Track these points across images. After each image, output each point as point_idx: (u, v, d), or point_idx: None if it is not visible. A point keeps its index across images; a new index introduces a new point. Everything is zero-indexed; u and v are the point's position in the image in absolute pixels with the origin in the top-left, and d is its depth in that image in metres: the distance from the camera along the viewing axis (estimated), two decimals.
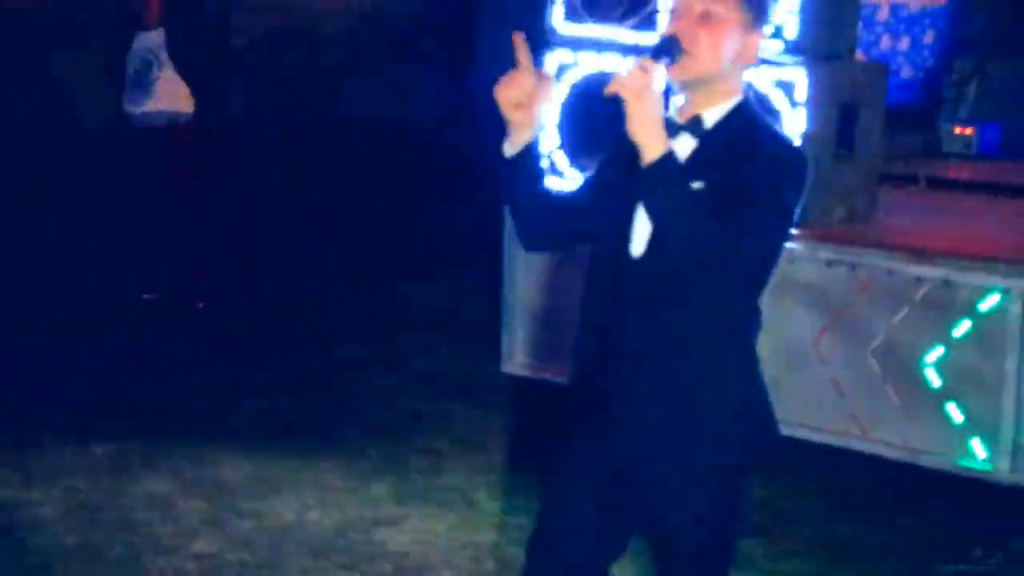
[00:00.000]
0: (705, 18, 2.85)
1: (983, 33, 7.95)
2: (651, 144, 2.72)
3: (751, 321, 2.95)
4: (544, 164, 5.67)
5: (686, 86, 2.91)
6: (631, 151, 2.77)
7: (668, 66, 2.84)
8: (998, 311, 4.81)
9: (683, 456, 2.89)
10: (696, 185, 2.79)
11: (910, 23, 7.72)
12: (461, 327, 7.19)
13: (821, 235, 5.17)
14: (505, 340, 5.99)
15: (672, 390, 2.88)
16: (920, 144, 7.29)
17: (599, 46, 5.83)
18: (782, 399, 3.13)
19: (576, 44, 5.90)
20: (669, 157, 2.73)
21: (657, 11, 5.72)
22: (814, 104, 5.26)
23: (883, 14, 7.50)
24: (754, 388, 2.96)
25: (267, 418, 5.80)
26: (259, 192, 8.21)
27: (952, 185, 6.64)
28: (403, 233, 8.82)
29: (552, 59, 5.94)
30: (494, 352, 6.25)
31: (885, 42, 7.51)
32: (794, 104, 5.29)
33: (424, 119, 11.02)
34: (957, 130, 7.40)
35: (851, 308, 5.11)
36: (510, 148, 2.96)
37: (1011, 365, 4.79)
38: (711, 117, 2.90)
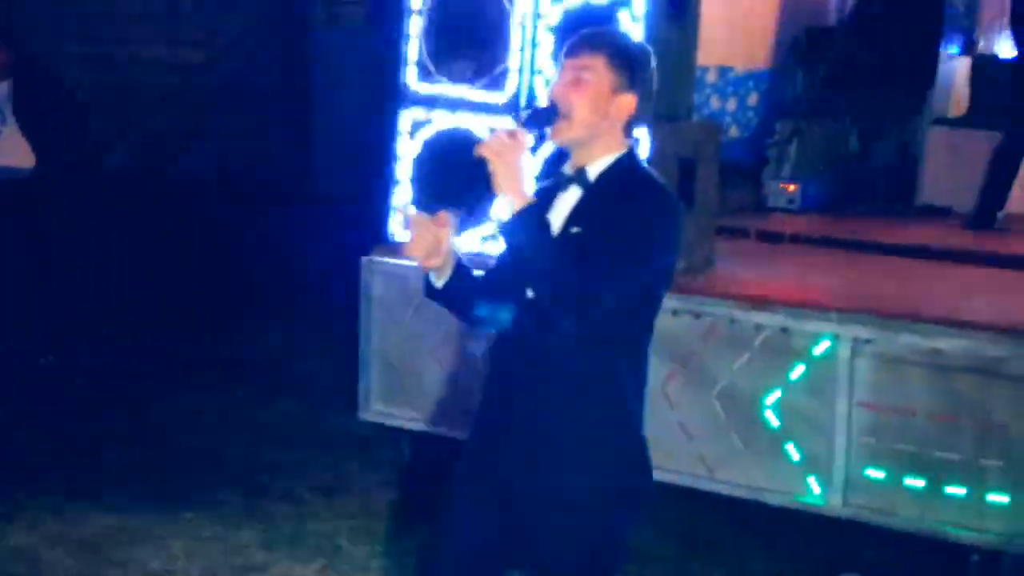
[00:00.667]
0: (577, 83, 3.15)
1: (800, 97, 8.46)
2: (511, 198, 3.03)
3: (629, 364, 3.20)
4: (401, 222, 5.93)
5: (569, 145, 3.19)
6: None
7: (545, 132, 3.15)
8: (829, 356, 5.17)
9: (557, 490, 3.13)
10: (574, 230, 3.10)
11: (736, 85, 8.18)
12: (303, 375, 7.32)
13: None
14: (362, 388, 6.13)
15: (549, 424, 3.14)
16: (749, 199, 7.71)
17: (452, 104, 6.07)
18: None
19: (429, 102, 6.12)
20: (527, 209, 3.03)
21: (507, 71, 5.99)
22: (657, 161, 5.57)
23: (712, 76, 7.93)
24: (627, 431, 3.21)
25: (125, 469, 5.83)
26: (100, 246, 8.19)
27: (779, 238, 7.05)
28: (233, 285, 8.90)
29: (406, 116, 6.15)
30: (343, 400, 6.38)
31: (715, 102, 7.93)
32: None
33: (261, 170, 11.11)
34: (781, 186, 7.85)
35: (696, 355, 5.41)
36: (439, 281, 3.22)
37: (842, 407, 5.14)
38: (594, 170, 3.19)
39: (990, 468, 4.90)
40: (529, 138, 3.11)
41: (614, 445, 3.18)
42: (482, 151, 3.05)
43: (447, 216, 3.17)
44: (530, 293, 3.15)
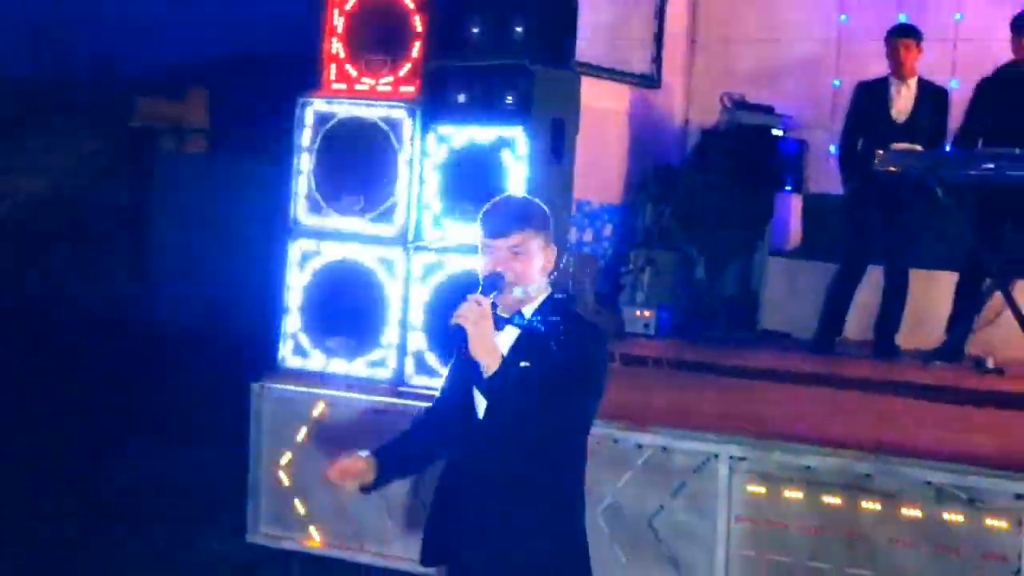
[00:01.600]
0: (515, 252, 3.59)
1: (651, 229, 8.98)
2: (490, 361, 3.42)
3: (572, 478, 3.64)
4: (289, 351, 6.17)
5: (517, 303, 3.60)
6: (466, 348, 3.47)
7: (497, 296, 3.55)
8: (708, 473, 5.53)
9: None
10: (523, 364, 3.49)
11: (592, 218, 8.65)
12: (183, 499, 7.37)
13: None
14: (250, 510, 6.25)
15: (502, 530, 3.54)
16: (610, 324, 8.12)
17: (341, 236, 6.34)
18: None
19: (319, 234, 6.38)
20: (503, 367, 3.43)
21: (395, 205, 6.30)
22: None
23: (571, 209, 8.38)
24: (573, 537, 3.64)
25: None
26: None
27: (644, 361, 7.45)
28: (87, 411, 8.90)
29: (295, 248, 6.39)
30: (227, 522, 6.46)
31: (573, 234, 8.37)
32: None
33: (108, 297, 11.12)
34: (637, 313, 8.30)
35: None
36: (367, 487, 3.69)
37: (721, 521, 5.49)
38: (528, 311, 3.63)
39: None
40: (488, 303, 3.50)
41: (562, 549, 3.57)
42: (460, 320, 3.42)
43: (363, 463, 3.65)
44: (480, 415, 3.52)
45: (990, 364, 7.54)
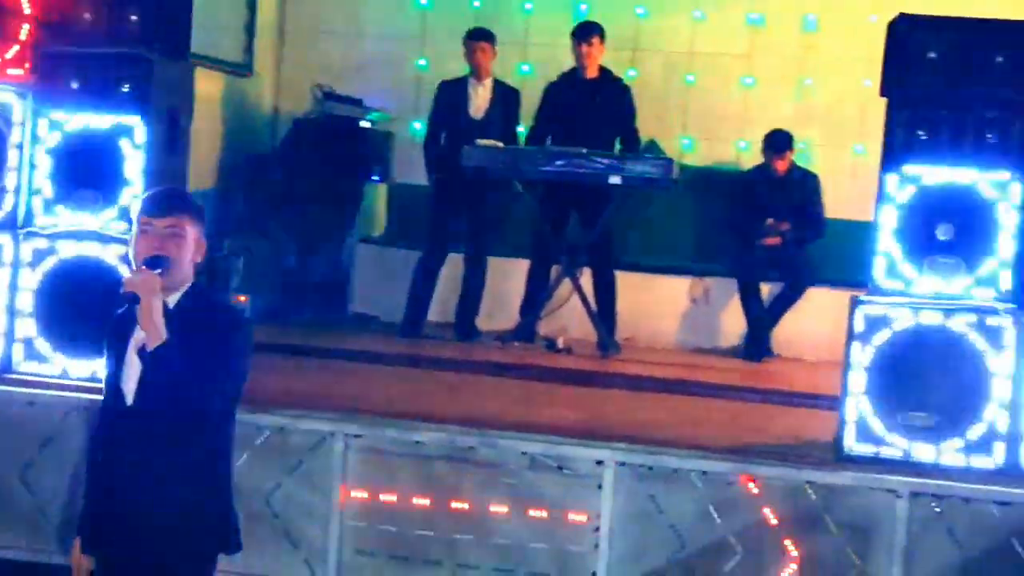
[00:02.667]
0: (176, 238, 3.83)
1: (243, 216, 9.21)
2: (155, 335, 3.67)
3: (222, 450, 3.98)
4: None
5: (169, 286, 3.82)
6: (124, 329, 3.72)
7: (163, 276, 3.76)
8: (324, 451, 5.88)
9: (172, 547, 3.83)
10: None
11: None
12: None
13: None
14: None
15: (156, 502, 3.81)
16: None
17: (76, 235, 6.19)
18: None
19: (52, 233, 6.21)
20: (167, 344, 3.67)
21: (3, 190, 6.23)
22: None
23: None
24: (222, 496, 3.97)
25: None
26: None
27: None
28: None
29: (27, 247, 6.21)
30: None
31: None
32: None
33: None
34: (235, 299, 8.49)
35: None
36: None
37: (336, 496, 5.86)
38: (172, 300, 3.85)
39: (461, 541, 5.82)
40: (158, 279, 3.72)
41: (218, 513, 3.95)
42: (135, 289, 3.64)
43: None
44: (129, 401, 3.77)
45: (560, 344, 8.33)
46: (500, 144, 8.45)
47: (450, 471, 5.82)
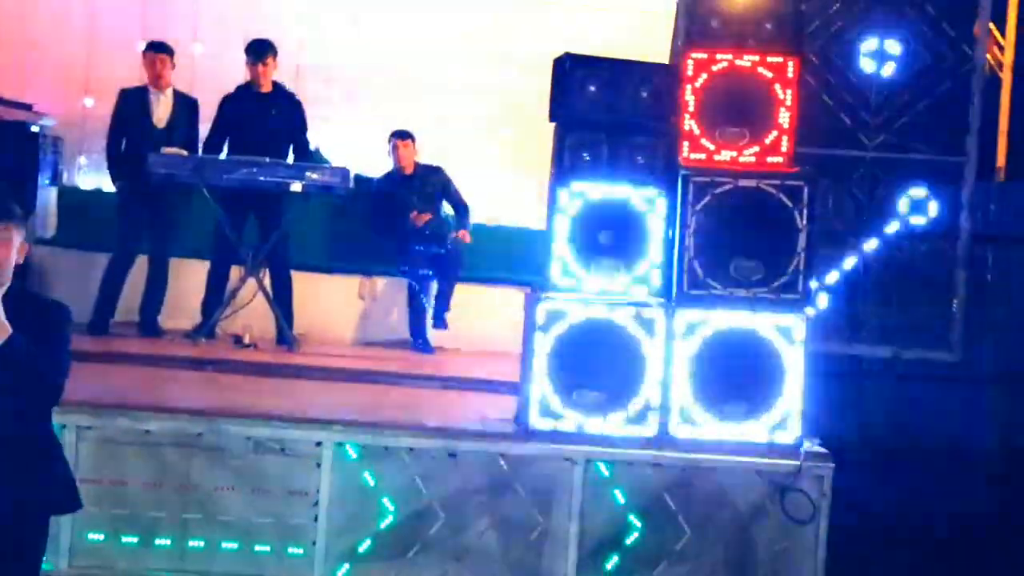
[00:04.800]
0: (5, 243, 4.27)
1: None
2: (2, 329, 4.15)
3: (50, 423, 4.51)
4: None
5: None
6: None
7: None
8: None
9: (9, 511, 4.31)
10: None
11: None
12: None
13: None
14: None
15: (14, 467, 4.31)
16: None
17: None
18: None
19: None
20: (12, 338, 4.16)
21: None
22: None
23: None
24: (60, 466, 4.52)
25: None
26: None
27: None
28: None
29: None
30: None
31: None
32: None
33: None
34: None
35: None
36: None
37: None
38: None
39: (191, 520, 6.38)
40: None
41: (55, 474, 4.47)
42: None
43: None
44: None
45: (247, 340, 8.91)
46: (184, 152, 8.94)
47: (180, 457, 6.35)
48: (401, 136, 9.89)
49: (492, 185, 10.27)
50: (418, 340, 9.52)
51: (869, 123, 7.95)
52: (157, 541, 6.35)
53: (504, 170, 10.42)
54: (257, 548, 6.36)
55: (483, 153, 10.52)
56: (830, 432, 6.61)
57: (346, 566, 6.37)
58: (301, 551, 6.35)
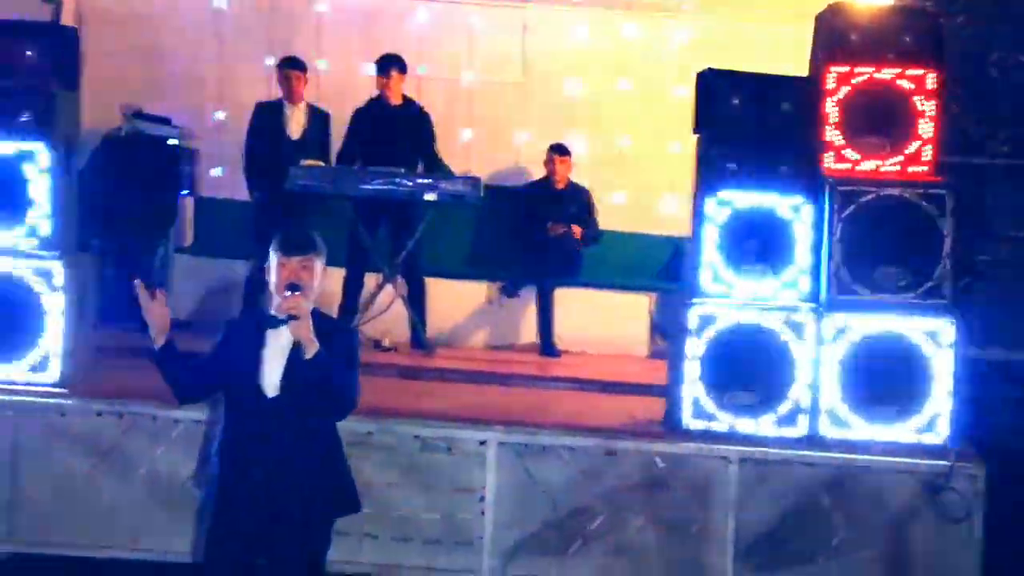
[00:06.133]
0: (306, 268, 4.72)
1: None
2: (313, 346, 4.57)
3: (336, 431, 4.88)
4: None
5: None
6: (254, 328, 4.52)
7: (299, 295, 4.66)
8: None
9: (300, 515, 4.73)
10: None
11: None
12: None
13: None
14: None
15: (295, 475, 4.70)
16: None
17: None
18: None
19: None
20: (319, 354, 4.56)
21: None
22: None
23: None
24: (344, 473, 4.93)
25: None
26: None
27: None
28: None
29: None
30: None
31: None
32: None
33: None
34: None
35: (119, 447, 6.59)
36: (160, 341, 4.57)
37: None
38: None
39: (365, 515, 6.60)
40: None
41: (340, 486, 4.89)
42: (296, 312, 4.51)
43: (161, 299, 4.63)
44: (270, 393, 4.59)
45: (386, 343, 9.22)
46: (322, 164, 9.27)
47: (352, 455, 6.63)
48: (560, 152, 10.08)
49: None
50: (546, 344, 9.76)
51: (998, 133, 8.15)
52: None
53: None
54: (426, 542, 6.65)
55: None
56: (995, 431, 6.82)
57: (511, 560, 6.65)
58: (470, 545, 6.63)
